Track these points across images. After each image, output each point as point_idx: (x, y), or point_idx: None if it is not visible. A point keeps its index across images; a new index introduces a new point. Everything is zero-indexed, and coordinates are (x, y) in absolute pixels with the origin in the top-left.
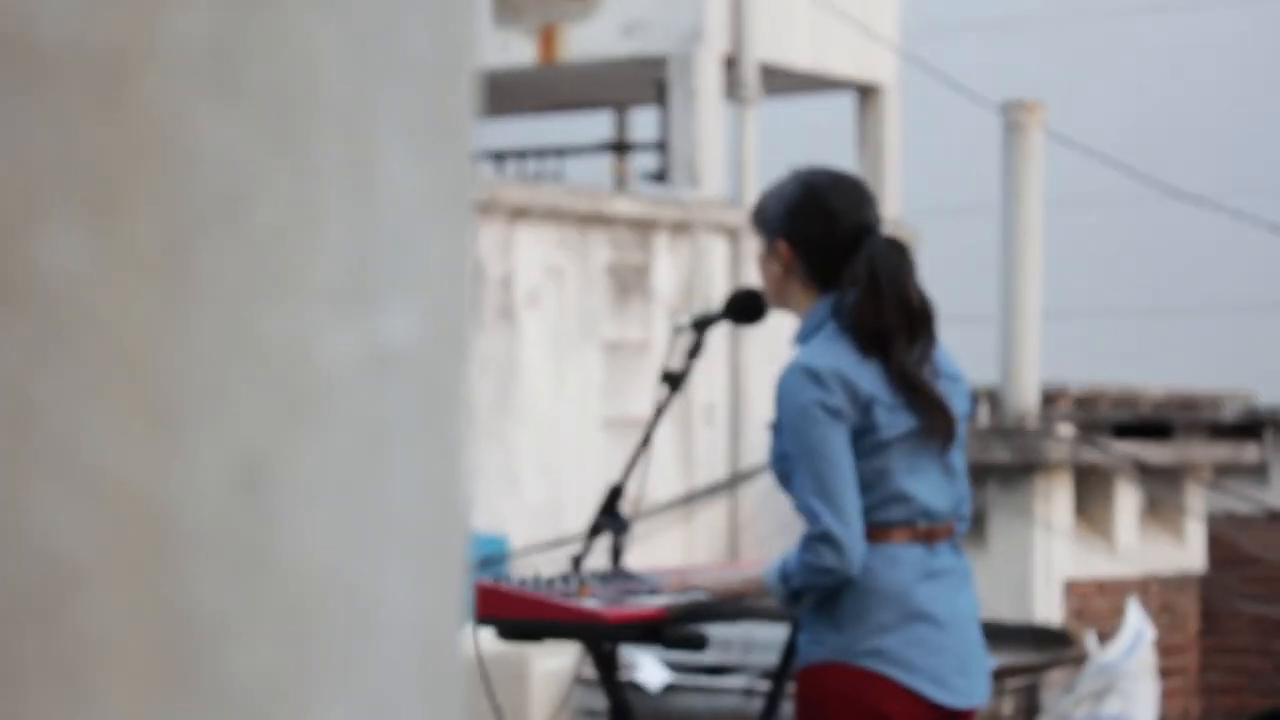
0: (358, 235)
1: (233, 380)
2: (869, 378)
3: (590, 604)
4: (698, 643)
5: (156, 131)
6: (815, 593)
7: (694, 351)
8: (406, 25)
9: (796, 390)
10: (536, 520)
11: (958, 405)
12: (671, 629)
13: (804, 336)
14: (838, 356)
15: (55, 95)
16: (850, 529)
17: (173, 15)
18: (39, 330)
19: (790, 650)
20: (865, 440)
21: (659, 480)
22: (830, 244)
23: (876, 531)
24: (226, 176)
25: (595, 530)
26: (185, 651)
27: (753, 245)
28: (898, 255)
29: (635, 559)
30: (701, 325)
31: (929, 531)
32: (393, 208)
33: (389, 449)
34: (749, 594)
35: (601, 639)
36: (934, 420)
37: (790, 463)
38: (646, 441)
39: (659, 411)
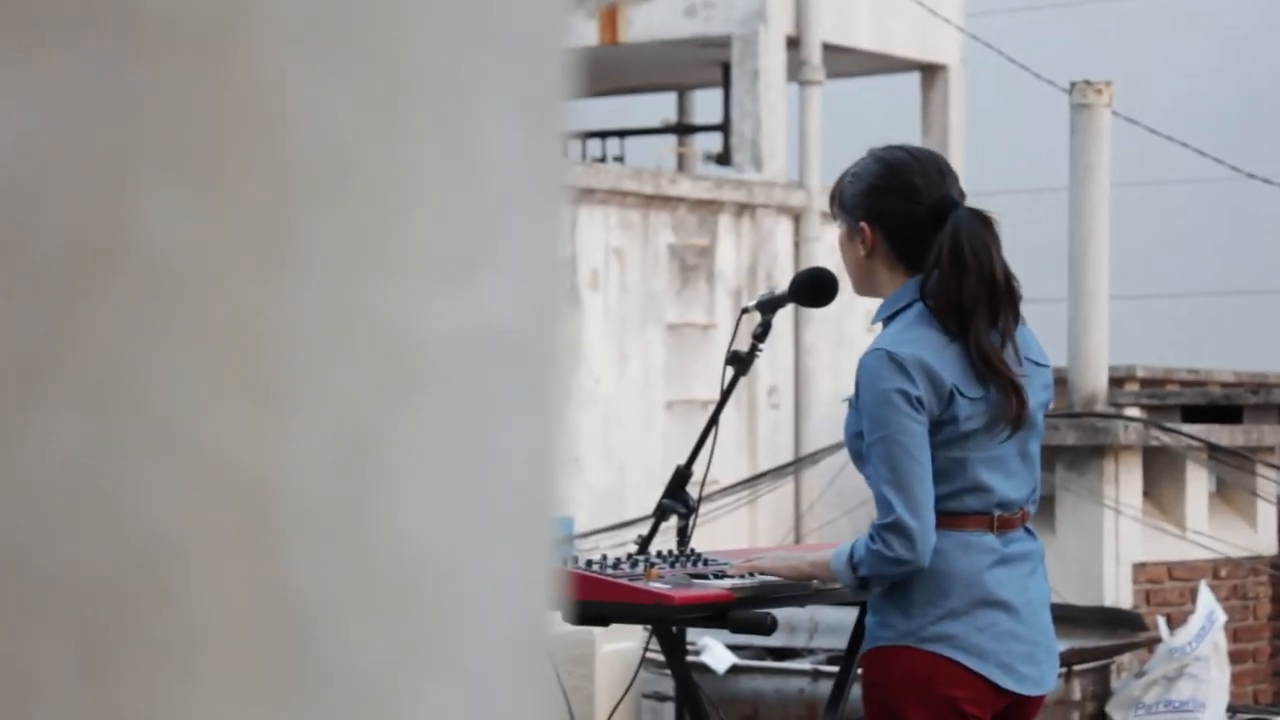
0: (460, 207)
1: (336, 353)
2: (952, 366)
3: (657, 587)
4: (765, 626)
5: (259, 99)
6: (883, 581)
7: (760, 334)
8: None
9: (878, 376)
10: (600, 503)
11: (1037, 392)
12: (738, 612)
13: (886, 316)
14: (921, 343)
15: (158, 61)
16: (922, 520)
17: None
18: (139, 300)
19: (858, 633)
20: (945, 430)
21: (722, 463)
22: (913, 221)
23: (950, 519)
24: (327, 145)
25: (661, 512)
26: (289, 629)
27: (816, 227)
28: (983, 228)
29: (699, 541)
30: (768, 307)
31: (1003, 520)
32: (495, 180)
33: (492, 427)
34: (816, 577)
35: (668, 622)
36: (1006, 403)
37: (865, 443)
38: (713, 423)
39: (725, 394)
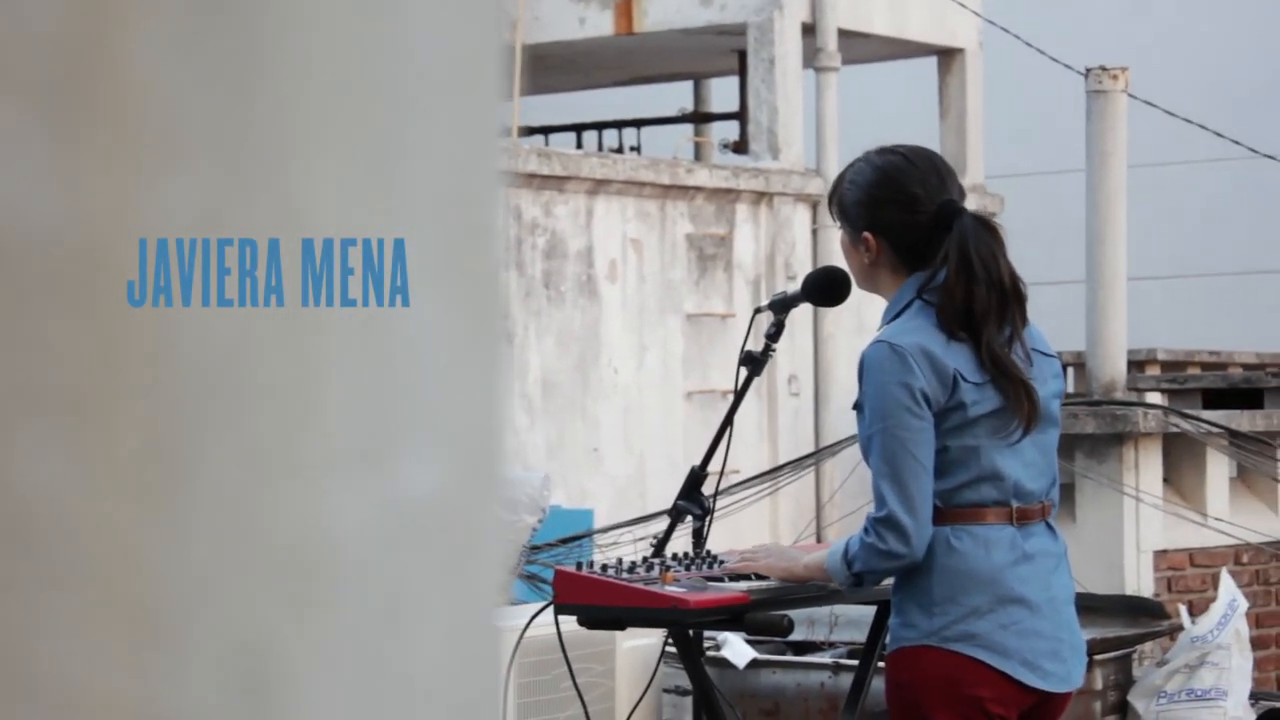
0: (372, 396)
1: (230, 572)
2: (955, 355)
3: (673, 590)
4: (781, 629)
5: (135, 331)
6: (877, 577)
7: (774, 334)
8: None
9: (879, 368)
10: (621, 493)
11: (1049, 384)
12: (755, 615)
13: (891, 316)
14: (922, 333)
15: (24, 297)
16: (916, 516)
17: (151, 208)
18: (7, 546)
19: (877, 628)
20: (953, 417)
21: (743, 453)
22: (917, 229)
23: (969, 512)
24: (216, 367)
25: (676, 514)
26: None
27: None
28: (989, 235)
29: (720, 533)
30: (780, 307)
31: (1023, 511)
32: (412, 358)
33: (409, 608)
34: (811, 580)
35: (684, 625)
36: (1018, 403)
37: (864, 435)
38: (728, 424)
39: (739, 395)
